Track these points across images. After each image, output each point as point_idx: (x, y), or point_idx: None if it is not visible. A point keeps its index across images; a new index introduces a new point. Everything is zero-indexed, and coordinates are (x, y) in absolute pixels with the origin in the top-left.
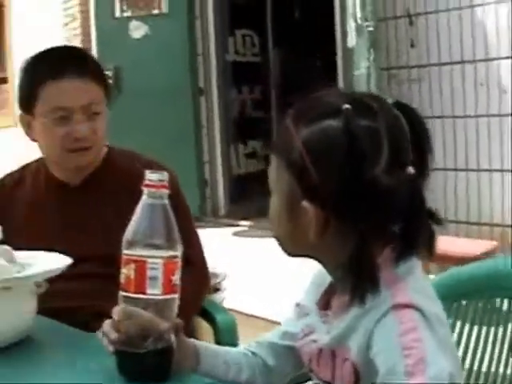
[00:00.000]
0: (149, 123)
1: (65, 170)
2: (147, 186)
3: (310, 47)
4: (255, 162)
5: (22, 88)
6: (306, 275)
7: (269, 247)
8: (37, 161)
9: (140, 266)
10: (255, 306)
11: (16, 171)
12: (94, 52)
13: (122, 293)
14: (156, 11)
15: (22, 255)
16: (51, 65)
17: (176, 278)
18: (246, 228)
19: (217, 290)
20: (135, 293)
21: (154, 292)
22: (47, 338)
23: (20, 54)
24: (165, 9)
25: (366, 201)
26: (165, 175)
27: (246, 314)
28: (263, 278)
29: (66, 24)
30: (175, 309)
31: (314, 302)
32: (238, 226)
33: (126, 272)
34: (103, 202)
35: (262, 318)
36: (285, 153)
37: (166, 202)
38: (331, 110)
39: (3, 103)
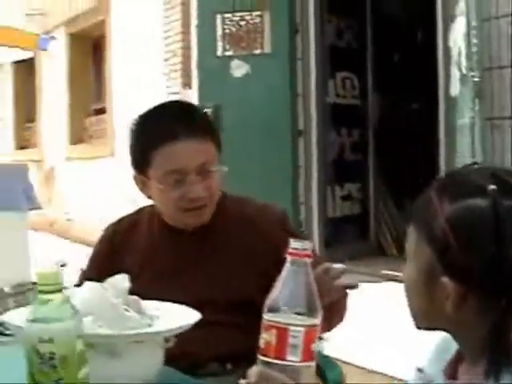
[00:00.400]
0: (246, 162)
1: (178, 221)
2: (291, 254)
3: (409, 92)
4: (350, 205)
5: (134, 151)
6: (401, 320)
7: (364, 293)
8: (151, 206)
9: (281, 333)
10: (350, 353)
11: (131, 215)
12: (194, 89)
13: (261, 357)
14: (258, 51)
15: (149, 305)
16: (162, 128)
17: (315, 345)
18: None
19: (319, 338)
20: (275, 358)
21: (293, 359)
22: None
23: (119, 86)
24: (267, 49)
25: (507, 279)
26: (307, 244)
27: (342, 361)
28: (359, 324)
29: (167, 59)
30: (311, 374)
31: (438, 369)
32: None
33: (267, 337)
34: (216, 249)
35: (358, 366)
36: (427, 227)
37: (309, 270)
38: (477, 189)
39: (102, 133)
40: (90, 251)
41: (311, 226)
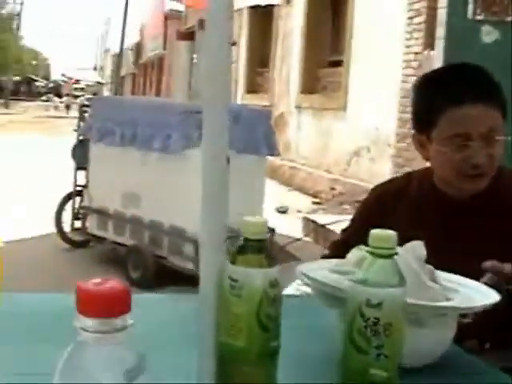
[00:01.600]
0: None
1: (453, 187)
2: None
3: None
4: None
5: (418, 111)
6: None
7: None
8: (420, 171)
9: None
10: None
11: (399, 178)
12: (439, 49)
13: None
14: (510, 18)
15: (441, 275)
16: (452, 91)
17: None
18: None
19: None
20: None
21: None
22: None
23: (357, 40)
24: None
25: None
26: None
27: None
28: None
29: (410, 18)
30: None
31: None
32: None
33: None
34: (488, 223)
35: None
36: None
37: None
38: None
39: (335, 86)
40: (308, 201)
41: None
